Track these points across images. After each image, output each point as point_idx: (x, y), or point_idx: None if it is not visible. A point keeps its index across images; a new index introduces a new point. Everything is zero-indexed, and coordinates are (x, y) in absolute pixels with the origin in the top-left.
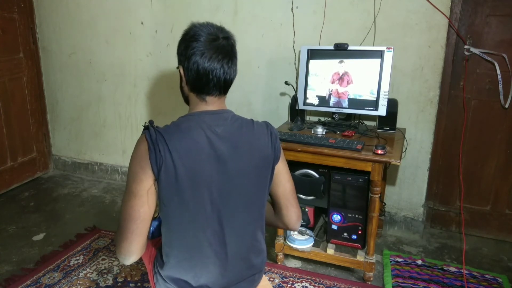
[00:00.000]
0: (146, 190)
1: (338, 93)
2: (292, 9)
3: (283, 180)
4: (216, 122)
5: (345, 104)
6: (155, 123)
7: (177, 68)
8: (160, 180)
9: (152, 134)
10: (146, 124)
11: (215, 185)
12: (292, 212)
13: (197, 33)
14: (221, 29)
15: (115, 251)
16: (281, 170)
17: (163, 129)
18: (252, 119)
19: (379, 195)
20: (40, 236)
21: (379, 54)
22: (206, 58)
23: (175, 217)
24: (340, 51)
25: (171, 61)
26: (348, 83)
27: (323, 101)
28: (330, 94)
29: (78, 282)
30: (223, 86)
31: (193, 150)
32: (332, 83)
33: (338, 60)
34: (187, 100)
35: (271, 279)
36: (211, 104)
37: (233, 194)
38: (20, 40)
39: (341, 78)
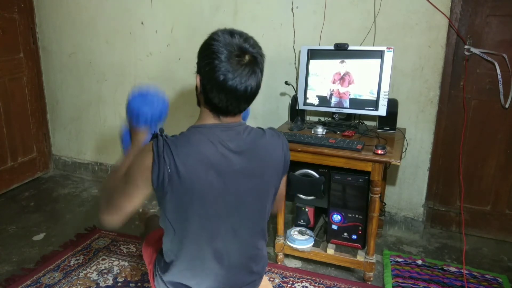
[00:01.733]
0: (138, 194)
1: (339, 93)
2: (292, 9)
3: (281, 187)
4: (228, 137)
5: (347, 104)
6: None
7: (196, 73)
8: (166, 193)
9: (159, 146)
10: (156, 133)
11: (223, 201)
12: (273, 209)
13: (219, 50)
14: (247, 44)
15: (98, 211)
16: (284, 179)
17: (172, 140)
18: (263, 130)
19: (379, 195)
20: (40, 236)
21: (379, 54)
22: (227, 81)
23: (180, 229)
24: (340, 51)
25: (171, 61)
26: (349, 83)
27: (323, 101)
28: (331, 94)
29: (78, 282)
30: (243, 109)
31: (201, 165)
32: (333, 83)
33: (339, 60)
34: (199, 104)
35: (271, 279)
36: (225, 121)
37: (241, 209)
38: (20, 40)
39: (343, 78)
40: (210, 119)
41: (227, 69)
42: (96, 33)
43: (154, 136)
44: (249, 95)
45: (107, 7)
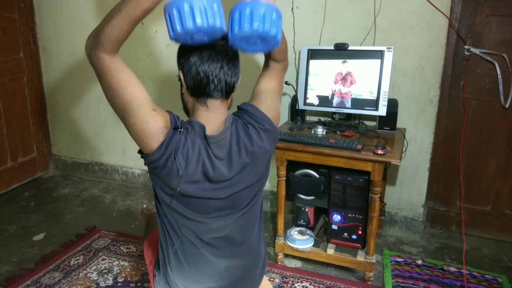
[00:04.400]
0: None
1: (341, 93)
2: (292, 9)
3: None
4: (216, 147)
5: (348, 104)
6: None
7: (178, 75)
8: (160, 191)
9: (173, 138)
10: (179, 125)
11: (217, 204)
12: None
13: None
14: None
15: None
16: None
17: (182, 146)
18: (246, 125)
19: (379, 195)
20: (40, 236)
21: (379, 54)
22: (205, 59)
23: (177, 229)
24: (340, 51)
25: (171, 61)
26: (351, 83)
27: (324, 101)
28: (333, 94)
29: (78, 282)
30: (224, 88)
31: (194, 173)
32: (335, 83)
33: (341, 61)
34: (186, 109)
35: (271, 279)
36: (213, 110)
37: (236, 205)
38: (20, 40)
39: (344, 78)
40: (199, 114)
41: (204, 48)
42: None
43: (176, 128)
44: (229, 73)
45: (107, 7)
